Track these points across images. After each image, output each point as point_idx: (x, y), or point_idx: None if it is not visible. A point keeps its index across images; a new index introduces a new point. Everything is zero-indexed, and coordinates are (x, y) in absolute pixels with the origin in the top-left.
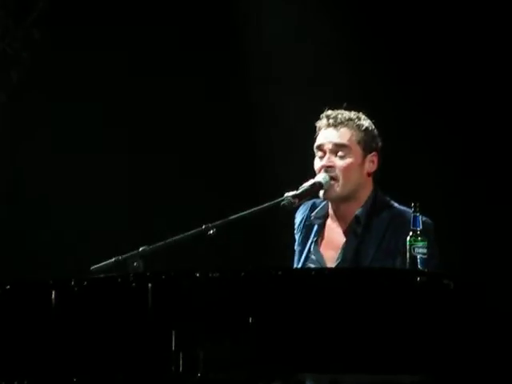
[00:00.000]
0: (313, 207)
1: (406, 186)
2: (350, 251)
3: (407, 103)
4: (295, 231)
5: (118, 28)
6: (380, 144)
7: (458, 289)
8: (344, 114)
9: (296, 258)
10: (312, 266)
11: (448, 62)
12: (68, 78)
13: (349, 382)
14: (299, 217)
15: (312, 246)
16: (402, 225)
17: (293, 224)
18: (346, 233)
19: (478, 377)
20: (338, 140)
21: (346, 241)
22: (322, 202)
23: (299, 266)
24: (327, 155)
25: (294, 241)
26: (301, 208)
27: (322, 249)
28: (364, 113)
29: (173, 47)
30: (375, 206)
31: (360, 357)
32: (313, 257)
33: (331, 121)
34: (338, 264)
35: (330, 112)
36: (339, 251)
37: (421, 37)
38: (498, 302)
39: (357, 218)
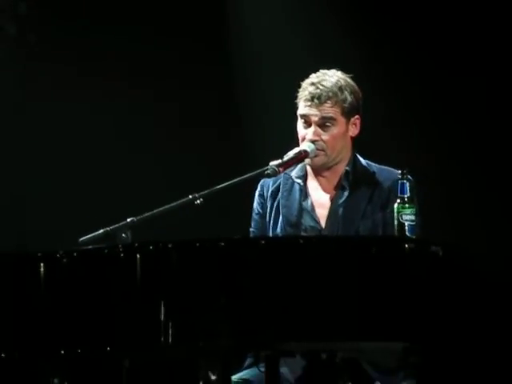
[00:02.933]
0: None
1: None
2: (340, 207)
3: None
4: (265, 198)
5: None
6: (361, 105)
7: (447, 255)
8: (326, 85)
9: (272, 221)
10: (310, 225)
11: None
12: (54, 56)
13: (335, 350)
14: (272, 183)
15: (304, 206)
16: (388, 179)
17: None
18: (334, 190)
19: (466, 344)
20: (322, 118)
21: (335, 197)
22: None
23: (286, 227)
24: (313, 128)
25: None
26: (267, 179)
27: (314, 208)
28: (342, 71)
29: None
30: (358, 164)
31: (348, 324)
32: (308, 217)
33: (315, 100)
34: (329, 220)
35: (312, 88)
36: (329, 208)
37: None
38: (487, 268)
39: (346, 174)
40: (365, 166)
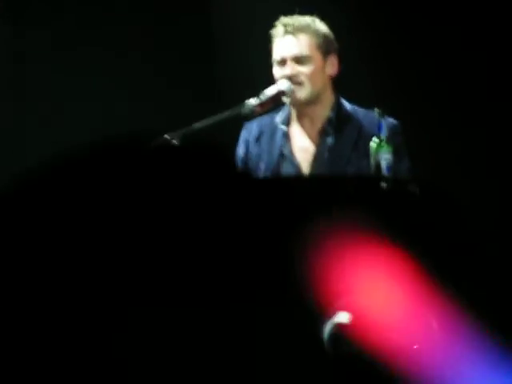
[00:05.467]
0: (265, 121)
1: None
2: (324, 153)
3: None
4: (248, 143)
5: None
6: (337, 46)
7: (425, 195)
8: (300, 19)
9: (255, 167)
10: (288, 171)
11: None
12: None
13: None
14: (255, 128)
15: (284, 152)
16: (373, 125)
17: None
18: (317, 135)
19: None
20: (298, 52)
21: (319, 143)
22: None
23: (267, 173)
24: (289, 64)
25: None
26: (251, 122)
27: (294, 154)
28: (318, 17)
29: None
30: (343, 109)
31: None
32: (287, 163)
33: (289, 28)
34: (313, 166)
35: (286, 20)
36: (313, 154)
37: None
38: (468, 212)
39: (330, 120)
40: (350, 111)
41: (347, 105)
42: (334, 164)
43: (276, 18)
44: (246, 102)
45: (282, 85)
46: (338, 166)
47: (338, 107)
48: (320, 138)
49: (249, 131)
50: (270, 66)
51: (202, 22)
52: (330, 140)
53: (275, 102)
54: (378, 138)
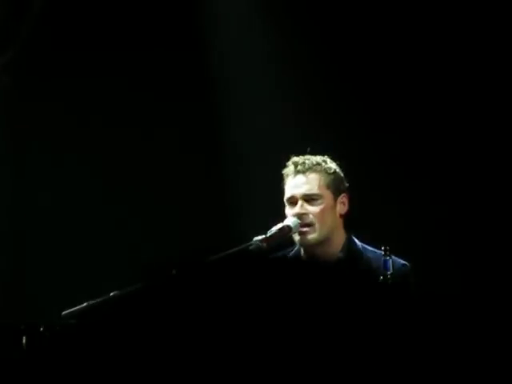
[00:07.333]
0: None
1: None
2: None
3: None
4: None
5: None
6: (347, 185)
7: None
8: (311, 159)
9: None
10: None
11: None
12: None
13: None
14: None
15: None
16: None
17: None
18: None
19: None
20: (308, 191)
21: None
22: (290, 250)
23: None
24: (299, 202)
25: None
26: None
27: None
28: (328, 156)
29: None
30: (353, 249)
31: None
32: None
33: (300, 167)
34: None
35: (296, 159)
36: None
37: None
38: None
39: (339, 260)
40: (360, 251)
41: (358, 244)
42: None
43: (287, 158)
44: (254, 238)
45: (288, 221)
46: None
47: (348, 247)
48: None
49: None
50: (282, 205)
51: (213, 163)
52: None
53: (281, 238)
54: (384, 275)
